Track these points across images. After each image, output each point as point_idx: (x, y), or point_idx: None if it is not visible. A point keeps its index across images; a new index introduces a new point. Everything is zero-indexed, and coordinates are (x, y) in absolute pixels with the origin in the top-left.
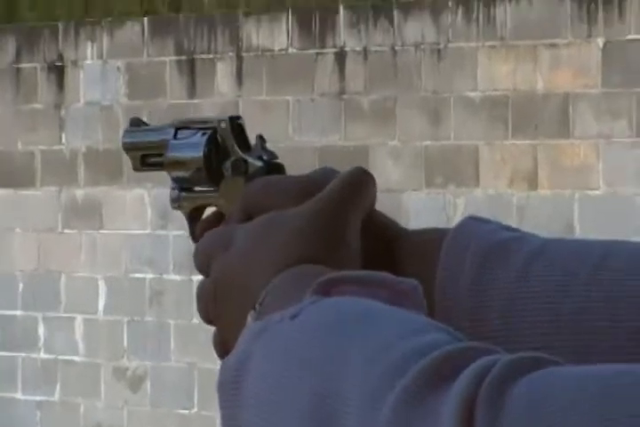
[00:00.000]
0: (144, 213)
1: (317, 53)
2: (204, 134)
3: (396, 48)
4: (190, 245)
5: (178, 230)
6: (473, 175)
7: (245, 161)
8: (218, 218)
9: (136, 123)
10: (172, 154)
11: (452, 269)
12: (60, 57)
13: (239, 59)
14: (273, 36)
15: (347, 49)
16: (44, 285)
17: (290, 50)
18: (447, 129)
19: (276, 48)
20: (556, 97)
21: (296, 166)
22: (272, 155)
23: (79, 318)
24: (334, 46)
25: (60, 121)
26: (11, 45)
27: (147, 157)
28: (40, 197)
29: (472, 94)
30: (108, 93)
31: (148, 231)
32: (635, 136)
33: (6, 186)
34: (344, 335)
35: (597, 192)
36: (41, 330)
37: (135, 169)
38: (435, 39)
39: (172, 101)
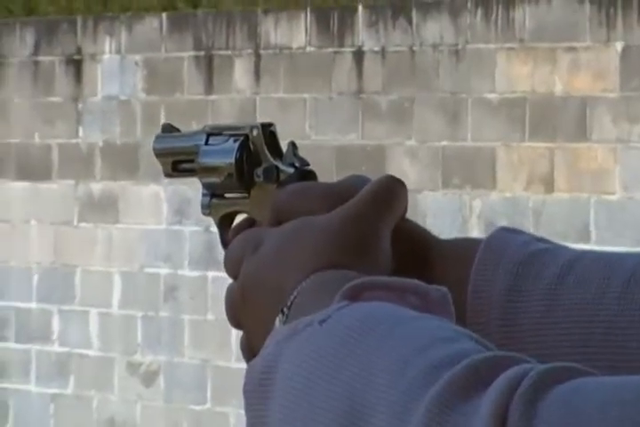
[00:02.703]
0: (160, 208)
1: (335, 52)
2: (235, 141)
3: (415, 48)
4: (206, 241)
5: (193, 226)
6: (490, 177)
7: (277, 168)
8: (249, 224)
9: (167, 128)
10: (204, 160)
11: (486, 279)
12: (79, 50)
13: (257, 56)
14: (291, 33)
15: (365, 48)
16: (59, 278)
17: (308, 48)
18: (464, 130)
19: (295, 46)
20: (574, 100)
21: (313, 165)
22: (304, 162)
23: (94, 312)
24: (352, 45)
25: (78, 115)
26: (30, 38)
27: (178, 163)
28: (57, 190)
29: (490, 96)
30: (126, 88)
31: (163, 227)
32: None
33: (23, 179)
34: (373, 342)
35: (614, 197)
36: (55, 323)
37: (166, 175)
38: (453, 40)
39: (189, 97)
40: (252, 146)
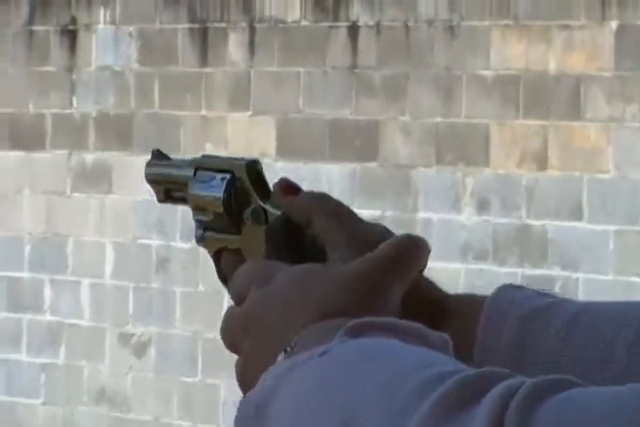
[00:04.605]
0: None
1: (330, 27)
2: (222, 179)
3: (409, 24)
4: None
5: None
6: (483, 154)
7: (265, 210)
8: (238, 257)
9: (157, 156)
10: (193, 196)
11: (492, 334)
12: (73, 21)
13: (252, 29)
14: (286, 7)
15: (360, 23)
16: (51, 248)
17: (303, 22)
18: (458, 107)
19: (289, 20)
20: (568, 79)
21: (306, 139)
22: None
23: (86, 282)
24: (347, 20)
25: (72, 85)
26: (24, 8)
27: (170, 191)
28: (50, 159)
29: (484, 73)
30: (120, 59)
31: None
32: None
33: (17, 148)
34: (369, 367)
35: (607, 175)
36: (47, 293)
37: (159, 201)
38: (448, 16)
39: (183, 69)
40: (238, 185)
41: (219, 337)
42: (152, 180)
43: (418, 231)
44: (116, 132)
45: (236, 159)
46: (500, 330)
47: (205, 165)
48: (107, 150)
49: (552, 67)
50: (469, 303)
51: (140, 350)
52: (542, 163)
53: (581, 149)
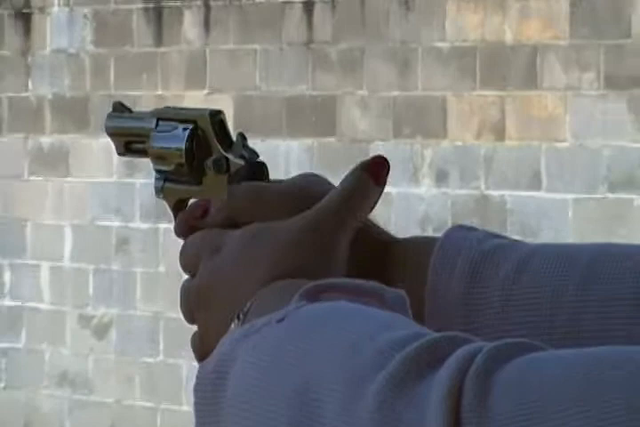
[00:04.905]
0: (110, 161)
1: (285, 2)
2: (184, 129)
3: None
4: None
5: (144, 179)
6: (441, 126)
7: (227, 159)
8: (201, 211)
9: (118, 108)
10: (154, 147)
11: (443, 277)
12: (27, 4)
13: (207, 7)
14: None
15: None
16: (9, 231)
17: None
18: (415, 79)
19: None
20: (525, 48)
21: (263, 116)
22: (254, 153)
23: (45, 266)
24: None
25: (27, 68)
26: None
27: (130, 143)
28: (6, 143)
29: (440, 45)
30: (75, 41)
31: (114, 179)
32: (603, 88)
33: None
34: (327, 333)
35: (565, 144)
36: (7, 277)
37: (119, 154)
38: None
39: (138, 49)
40: (200, 135)
41: (180, 317)
42: (112, 133)
43: (377, 205)
44: (73, 114)
45: (198, 110)
46: (449, 279)
47: (167, 116)
48: (63, 133)
49: (508, 37)
50: (420, 247)
51: (101, 331)
52: (500, 133)
53: (539, 118)
